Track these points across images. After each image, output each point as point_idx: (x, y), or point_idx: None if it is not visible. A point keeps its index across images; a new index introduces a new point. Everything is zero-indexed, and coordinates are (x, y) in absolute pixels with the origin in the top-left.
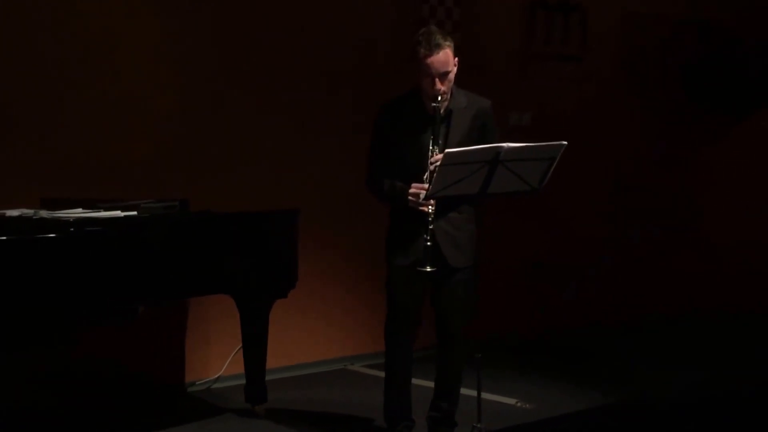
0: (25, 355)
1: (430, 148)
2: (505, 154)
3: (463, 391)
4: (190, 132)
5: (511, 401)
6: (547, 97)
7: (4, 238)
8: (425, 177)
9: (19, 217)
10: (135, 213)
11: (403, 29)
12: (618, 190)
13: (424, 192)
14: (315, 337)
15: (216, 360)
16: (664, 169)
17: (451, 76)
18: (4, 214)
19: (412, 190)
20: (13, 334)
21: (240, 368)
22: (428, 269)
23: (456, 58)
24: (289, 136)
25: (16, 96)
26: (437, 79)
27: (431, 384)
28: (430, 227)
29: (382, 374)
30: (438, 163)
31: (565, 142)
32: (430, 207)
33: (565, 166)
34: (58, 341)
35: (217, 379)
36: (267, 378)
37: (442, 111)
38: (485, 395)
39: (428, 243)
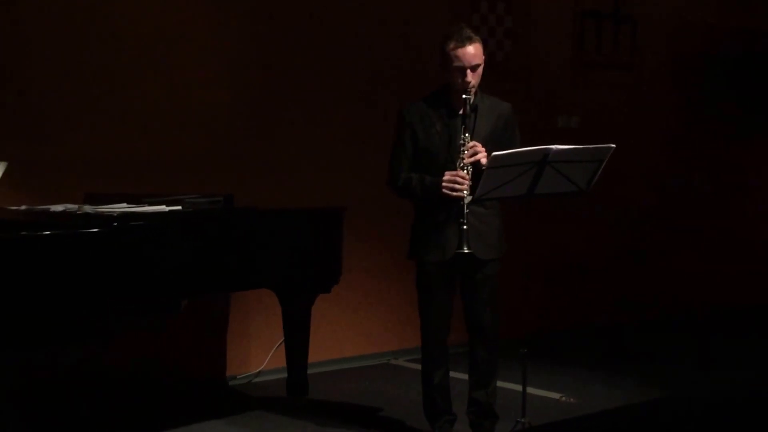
0: (70, 349)
1: (462, 136)
2: (553, 155)
3: (508, 385)
4: (237, 130)
5: (556, 396)
6: (596, 104)
7: (48, 232)
8: (459, 165)
9: (63, 212)
10: (179, 208)
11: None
12: (664, 193)
13: (460, 178)
14: (358, 331)
15: (257, 354)
16: (712, 173)
17: (480, 70)
18: (49, 209)
19: (445, 178)
20: (60, 328)
21: (281, 362)
22: (466, 250)
23: (484, 56)
24: (336, 135)
25: (62, 93)
26: (468, 71)
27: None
28: (466, 211)
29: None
30: (470, 152)
31: (613, 145)
32: (464, 192)
33: (613, 169)
34: (103, 335)
35: (259, 373)
36: (309, 372)
37: (469, 106)
38: (530, 390)
39: (464, 226)
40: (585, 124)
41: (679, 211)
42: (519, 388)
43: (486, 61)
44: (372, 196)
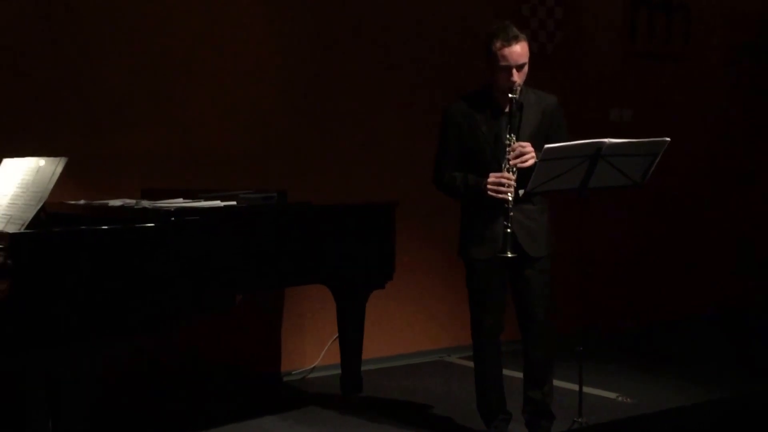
0: (128, 344)
1: (507, 136)
2: (606, 149)
3: (564, 384)
4: (290, 126)
5: (612, 395)
6: (649, 94)
7: (106, 227)
8: (504, 166)
9: (121, 206)
10: (234, 203)
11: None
12: (718, 187)
13: (505, 180)
14: (412, 328)
15: (312, 350)
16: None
17: (526, 69)
18: (107, 204)
19: (490, 179)
20: (117, 322)
21: (336, 358)
22: (509, 255)
23: (529, 53)
24: (388, 131)
25: (120, 92)
26: (514, 70)
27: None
28: (510, 214)
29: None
30: (516, 152)
31: (668, 139)
32: (509, 194)
33: (665, 162)
34: (161, 329)
35: (313, 369)
36: (363, 368)
37: (515, 106)
38: (586, 389)
39: (508, 230)
40: (638, 116)
41: (733, 206)
42: (575, 387)
43: (536, 53)
44: (423, 192)
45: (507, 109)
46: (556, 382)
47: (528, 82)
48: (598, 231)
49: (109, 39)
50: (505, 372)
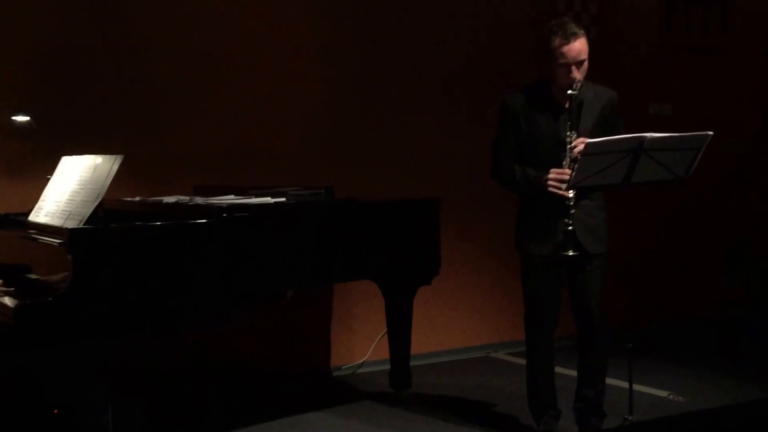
0: (182, 338)
1: (568, 133)
2: (648, 143)
3: (614, 382)
4: (337, 124)
5: (663, 393)
6: (687, 88)
7: (160, 223)
8: (564, 163)
9: (176, 203)
10: (283, 199)
11: (540, 24)
12: (763, 181)
13: (567, 177)
14: (459, 324)
15: (361, 345)
16: None
17: (585, 64)
18: (161, 200)
19: (551, 176)
20: (174, 316)
21: (384, 353)
22: (570, 253)
23: (588, 48)
24: (432, 128)
25: (173, 92)
26: (573, 67)
27: (576, 373)
28: (572, 212)
29: (525, 362)
30: (578, 149)
31: (711, 133)
32: (570, 192)
33: (708, 157)
34: (213, 323)
35: (362, 364)
36: (411, 363)
37: (575, 102)
38: (636, 387)
39: (570, 227)
40: (677, 110)
41: None
42: (624, 384)
43: None
44: (466, 188)
45: (567, 106)
46: (606, 379)
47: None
48: (647, 224)
49: (161, 40)
50: (557, 369)
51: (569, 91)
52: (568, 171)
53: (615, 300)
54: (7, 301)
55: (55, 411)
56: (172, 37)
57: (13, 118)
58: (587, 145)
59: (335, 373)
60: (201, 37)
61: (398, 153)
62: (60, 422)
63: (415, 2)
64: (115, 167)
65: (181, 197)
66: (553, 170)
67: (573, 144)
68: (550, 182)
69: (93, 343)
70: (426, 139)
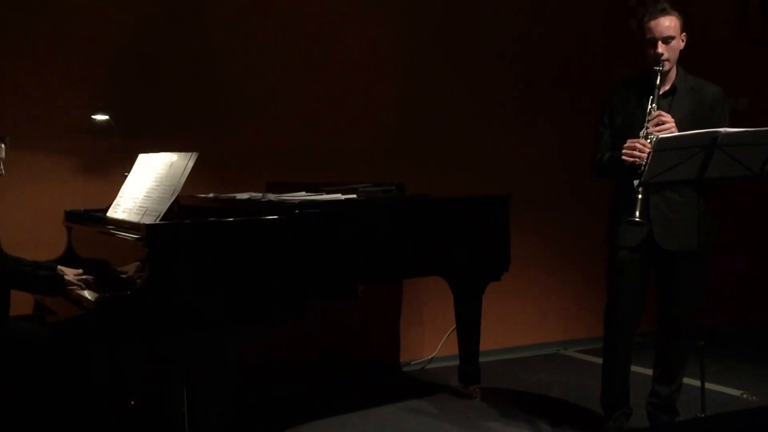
0: (256, 332)
1: (650, 106)
2: (722, 138)
3: (685, 380)
4: (407, 120)
5: (737, 393)
6: (764, 83)
7: (234, 219)
8: (642, 132)
9: (249, 199)
10: (354, 196)
11: (614, 20)
12: None
13: (639, 144)
14: (528, 321)
15: (430, 340)
16: None
17: (675, 44)
18: (234, 197)
19: (627, 144)
20: (248, 311)
21: (453, 349)
22: (636, 219)
23: (684, 33)
24: (501, 124)
25: (246, 90)
26: (660, 42)
27: (648, 371)
28: (642, 179)
29: (596, 360)
30: (655, 120)
31: None
32: (643, 159)
33: None
34: (286, 319)
35: (431, 360)
36: (480, 360)
37: (664, 77)
38: (709, 385)
39: (639, 195)
40: (754, 105)
41: None
42: (697, 383)
43: (635, 31)
44: (536, 185)
45: (660, 91)
46: None
47: (630, 63)
48: (726, 223)
49: (234, 40)
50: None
51: (655, 68)
52: (642, 140)
53: None
54: (87, 294)
55: (132, 402)
56: (247, 37)
57: (93, 117)
58: (657, 140)
59: (404, 368)
60: (274, 36)
61: (468, 149)
62: (137, 413)
63: (490, 2)
64: (190, 164)
65: (254, 194)
66: (629, 140)
67: (653, 116)
68: (624, 151)
69: (168, 335)
70: (495, 135)
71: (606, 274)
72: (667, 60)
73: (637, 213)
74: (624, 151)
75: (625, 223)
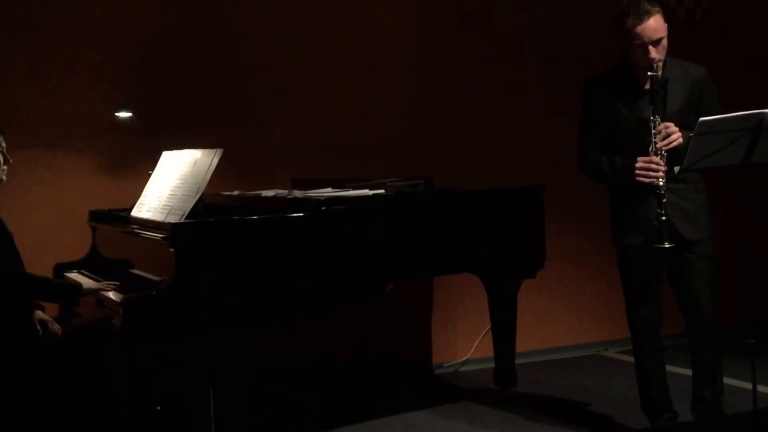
0: (283, 331)
1: (651, 118)
2: None
3: (734, 382)
4: (435, 113)
5: None
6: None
7: (259, 217)
8: (651, 149)
9: (274, 197)
10: (382, 191)
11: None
12: None
13: (654, 165)
14: (566, 321)
15: (463, 342)
16: None
17: (665, 42)
18: (260, 194)
19: (639, 164)
20: (274, 309)
21: (489, 351)
22: (667, 245)
23: (666, 24)
24: (530, 116)
25: (269, 85)
26: (651, 47)
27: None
28: (664, 201)
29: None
30: (665, 134)
31: None
32: (660, 180)
33: None
34: (313, 317)
35: (465, 362)
36: (516, 361)
37: (657, 82)
38: (761, 388)
39: (663, 218)
40: None
41: None
42: (747, 384)
43: (683, 19)
44: (569, 177)
45: (648, 87)
46: (727, 379)
47: (675, 52)
48: (757, 215)
49: (258, 35)
50: (672, 369)
51: (650, 73)
52: (655, 159)
53: (736, 294)
54: (112, 295)
55: (158, 407)
56: (270, 32)
57: (116, 114)
58: (700, 123)
59: (437, 371)
60: (297, 31)
61: (497, 143)
62: (163, 417)
63: None
64: (215, 161)
65: (280, 191)
66: (640, 159)
67: (658, 130)
68: (637, 171)
69: (195, 336)
70: (525, 128)
71: (619, 272)
72: (660, 61)
73: (664, 238)
74: (638, 172)
75: (658, 249)
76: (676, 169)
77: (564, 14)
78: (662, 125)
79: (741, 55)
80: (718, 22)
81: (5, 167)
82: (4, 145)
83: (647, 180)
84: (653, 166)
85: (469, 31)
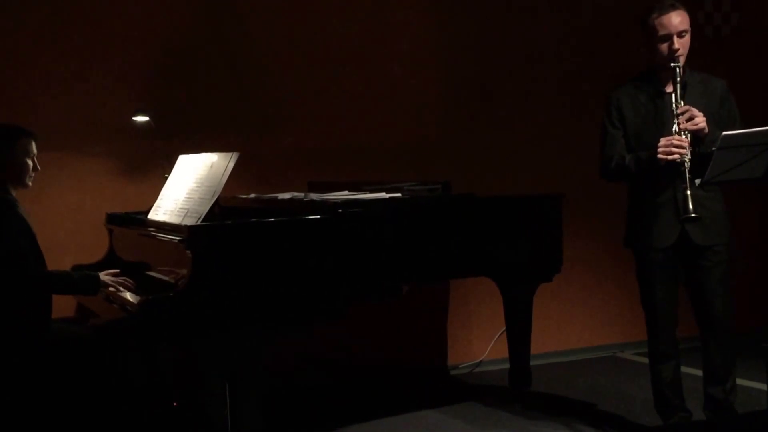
0: (298, 333)
1: (675, 103)
2: None
3: (749, 383)
4: (453, 118)
5: None
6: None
7: (275, 220)
8: (674, 129)
9: (290, 199)
10: (399, 195)
11: None
12: None
13: (677, 141)
14: (582, 323)
15: (479, 343)
16: None
17: (687, 38)
18: (276, 197)
19: (661, 142)
20: (290, 311)
21: (503, 352)
22: (692, 215)
23: (690, 27)
24: (550, 122)
25: (286, 88)
26: (675, 38)
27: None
28: (689, 175)
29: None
30: (686, 115)
31: None
32: (685, 157)
33: None
34: (329, 319)
35: (480, 363)
36: (532, 363)
37: (679, 76)
38: None
39: (687, 191)
40: None
41: None
42: (763, 386)
43: (710, 37)
44: (588, 186)
45: (669, 89)
46: (742, 381)
47: (702, 69)
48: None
49: (275, 40)
50: (685, 369)
51: (672, 64)
52: (677, 137)
53: (751, 297)
54: (129, 296)
55: (175, 404)
56: (287, 37)
57: (133, 118)
58: (723, 137)
59: (452, 372)
60: (315, 35)
61: (515, 148)
62: (180, 416)
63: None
64: (231, 164)
65: (296, 194)
66: (663, 138)
67: (682, 110)
68: (660, 149)
69: (211, 337)
70: (543, 134)
71: (636, 276)
72: (682, 55)
73: (690, 207)
74: (660, 149)
75: (682, 221)
76: (698, 181)
77: (588, 27)
78: (685, 107)
79: (766, 71)
80: (745, 40)
81: (33, 174)
82: (35, 151)
83: (670, 157)
84: (675, 142)
85: (489, 37)
